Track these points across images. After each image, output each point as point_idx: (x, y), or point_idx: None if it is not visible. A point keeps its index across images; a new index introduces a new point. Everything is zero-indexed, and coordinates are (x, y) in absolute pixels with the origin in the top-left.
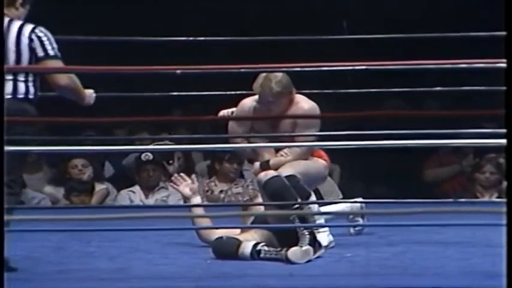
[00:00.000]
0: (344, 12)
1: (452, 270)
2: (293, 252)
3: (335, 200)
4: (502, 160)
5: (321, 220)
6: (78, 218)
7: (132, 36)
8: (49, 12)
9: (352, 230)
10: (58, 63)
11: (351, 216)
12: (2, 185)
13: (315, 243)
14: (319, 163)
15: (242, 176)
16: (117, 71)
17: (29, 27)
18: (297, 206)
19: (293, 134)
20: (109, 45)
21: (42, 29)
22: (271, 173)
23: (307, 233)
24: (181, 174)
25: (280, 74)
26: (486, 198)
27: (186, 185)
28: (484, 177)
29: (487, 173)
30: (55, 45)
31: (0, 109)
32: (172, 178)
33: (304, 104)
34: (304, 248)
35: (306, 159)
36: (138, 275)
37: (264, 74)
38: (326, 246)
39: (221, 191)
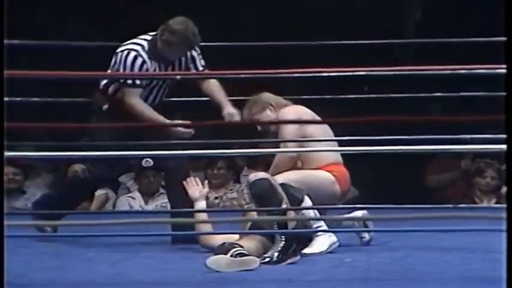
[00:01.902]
0: (347, 14)
1: (453, 275)
2: (214, 260)
3: (335, 206)
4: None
5: (320, 224)
6: (78, 223)
7: None
8: (53, 16)
9: (359, 239)
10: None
11: (357, 225)
12: (2, 187)
13: (287, 251)
14: (324, 176)
15: (238, 181)
16: (119, 76)
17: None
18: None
19: (300, 139)
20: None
21: (128, 59)
22: (260, 175)
23: (283, 239)
24: (196, 178)
25: (253, 98)
26: (485, 203)
27: (196, 189)
28: (485, 182)
29: (488, 177)
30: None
31: (1, 114)
32: (186, 180)
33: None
34: (232, 256)
35: (298, 168)
36: (138, 281)
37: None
38: (326, 250)
39: (216, 197)
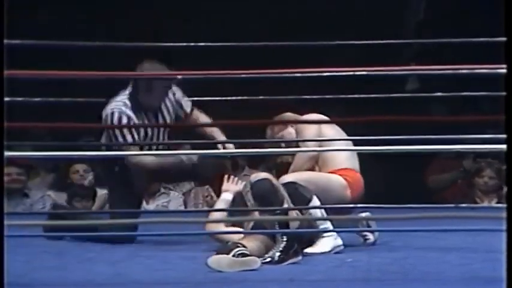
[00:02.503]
0: (349, 14)
1: (453, 275)
2: (215, 259)
3: (335, 205)
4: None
5: (326, 225)
6: (80, 223)
7: (139, 42)
8: (54, 16)
9: (361, 239)
10: None
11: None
12: (2, 188)
13: (289, 251)
14: (336, 179)
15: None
16: (121, 76)
17: None
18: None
19: (311, 139)
20: (119, 51)
21: (114, 120)
22: (262, 175)
23: (284, 239)
24: (236, 178)
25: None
26: (486, 203)
27: (231, 183)
28: (482, 182)
29: (486, 177)
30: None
31: (1, 114)
32: (227, 177)
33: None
34: (234, 256)
35: (311, 169)
36: (138, 281)
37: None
38: (330, 251)
39: None
